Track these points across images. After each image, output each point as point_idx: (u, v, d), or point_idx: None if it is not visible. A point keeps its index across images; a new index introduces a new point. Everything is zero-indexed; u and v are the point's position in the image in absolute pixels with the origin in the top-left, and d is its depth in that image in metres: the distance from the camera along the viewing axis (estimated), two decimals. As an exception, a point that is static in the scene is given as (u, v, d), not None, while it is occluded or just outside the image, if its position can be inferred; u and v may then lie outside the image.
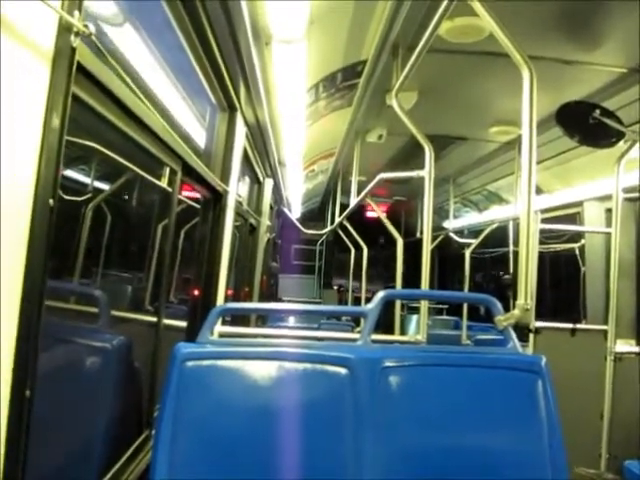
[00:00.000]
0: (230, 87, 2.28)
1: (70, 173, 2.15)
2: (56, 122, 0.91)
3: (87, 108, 1.14)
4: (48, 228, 0.92)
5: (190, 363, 1.60)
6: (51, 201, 0.92)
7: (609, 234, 3.40)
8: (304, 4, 1.78)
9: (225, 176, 2.54)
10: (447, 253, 8.41)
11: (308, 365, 1.64)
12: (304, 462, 1.55)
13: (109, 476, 1.64)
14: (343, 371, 1.63)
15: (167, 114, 1.90)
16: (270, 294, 8.20)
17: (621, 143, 3.12)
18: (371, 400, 1.60)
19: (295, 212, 8.56)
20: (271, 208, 5.81)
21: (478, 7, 1.85)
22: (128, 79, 1.24)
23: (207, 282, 2.48)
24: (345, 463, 1.56)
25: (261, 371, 1.64)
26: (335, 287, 10.46)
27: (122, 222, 2.82)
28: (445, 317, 6.85)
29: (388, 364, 1.64)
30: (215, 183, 2.34)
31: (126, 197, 2.81)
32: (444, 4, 1.98)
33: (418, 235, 7.10)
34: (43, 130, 0.88)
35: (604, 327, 3.29)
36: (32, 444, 0.94)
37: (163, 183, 2.17)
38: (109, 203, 2.43)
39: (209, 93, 2.33)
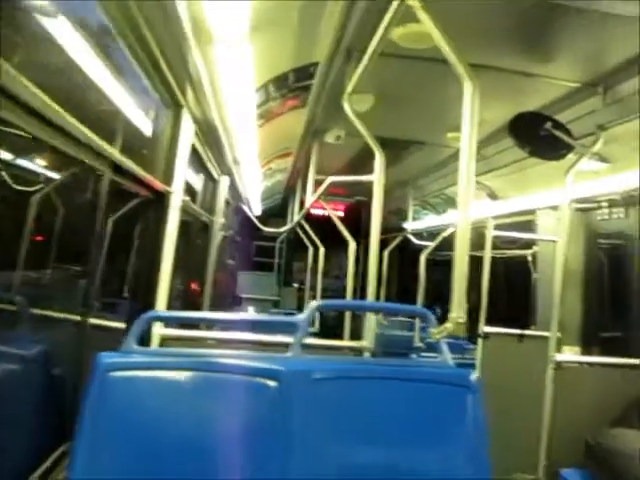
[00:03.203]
0: (174, 84, 2.22)
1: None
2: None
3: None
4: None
5: (112, 374, 1.54)
6: None
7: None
8: (244, 4, 1.73)
9: (169, 175, 2.48)
10: (410, 254, 8.42)
11: (236, 377, 1.60)
12: (227, 477, 1.51)
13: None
14: (272, 383, 1.59)
15: (94, 113, 1.83)
16: (228, 292, 8.10)
17: (571, 155, 3.16)
18: (299, 413, 1.57)
19: (256, 209, 8.49)
20: (229, 205, 5.74)
21: (422, 16, 1.82)
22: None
23: (147, 285, 2.41)
24: (272, 477, 1.52)
25: (187, 383, 1.59)
26: (295, 285, 10.41)
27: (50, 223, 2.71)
28: (402, 318, 6.87)
29: (316, 377, 1.61)
30: (155, 183, 2.27)
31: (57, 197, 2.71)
32: (391, 10, 1.95)
33: (381, 235, 7.10)
34: None
35: (549, 334, 3.33)
36: None
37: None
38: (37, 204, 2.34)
39: (151, 90, 2.26)
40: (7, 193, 2.32)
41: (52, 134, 1.32)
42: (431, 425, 1.64)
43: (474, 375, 1.68)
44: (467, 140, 1.75)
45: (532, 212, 4.74)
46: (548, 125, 3.06)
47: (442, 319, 1.74)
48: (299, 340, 1.70)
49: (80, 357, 1.90)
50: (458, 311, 1.71)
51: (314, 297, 7.38)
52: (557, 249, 3.13)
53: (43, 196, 2.33)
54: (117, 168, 1.79)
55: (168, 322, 2.31)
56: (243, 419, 1.57)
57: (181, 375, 1.59)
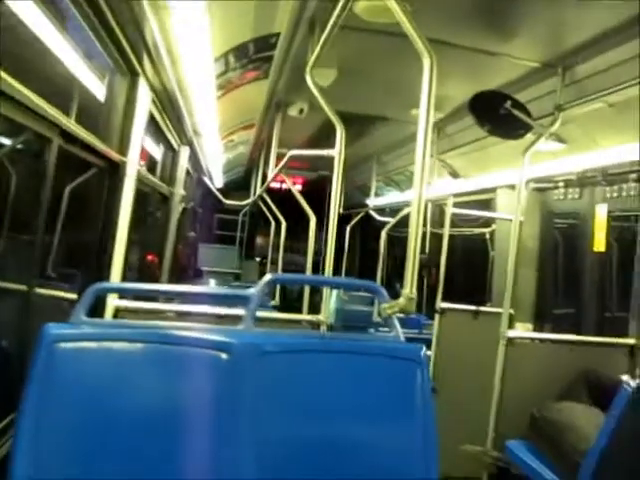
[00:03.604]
0: (129, 51, 2.15)
1: None
2: None
3: None
4: None
5: (60, 345, 1.51)
6: None
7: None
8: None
9: (124, 144, 2.42)
10: (373, 230, 8.46)
11: (187, 349, 1.59)
12: (176, 450, 1.51)
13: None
14: (223, 356, 1.59)
15: (43, 79, 1.76)
16: (189, 265, 8.03)
17: (530, 135, 3.20)
18: (249, 386, 1.57)
19: (218, 181, 8.38)
20: (190, 176, 5.65)
21: None
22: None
23: (101, 256, 2.37)
24: (219, 451, 1.53)
25: (137, 354, 1.57)
26: (257, 259, 10.38)
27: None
28: (362, 293, 6.93)
29: (268, 350, 1.61)
30: (109, 152, 2.21)
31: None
32: None
33: (341, 211, 7.12)
34: None
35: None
36: None
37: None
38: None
39: (105, 56, 2.19)
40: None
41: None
42: (380, 398, 1.67)
43: (423, 350, 1.71)
44: (424, 115, 1.75)
45: (492, 191, 4.81)
46: (508, 104, 3.08)
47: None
48: (252, 313, 1.70)
49: (30, 328, 1.87)
50: (410, 287, 1.74)
51: (276, 271, 7.39)
52: (512, 227, 3.19)
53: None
54: (68, 136, 1.73)
55: (123, 294, 2.28)
56: (194, 391, 1.56)
57: (131, 347, 1.57)
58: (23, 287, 1.84)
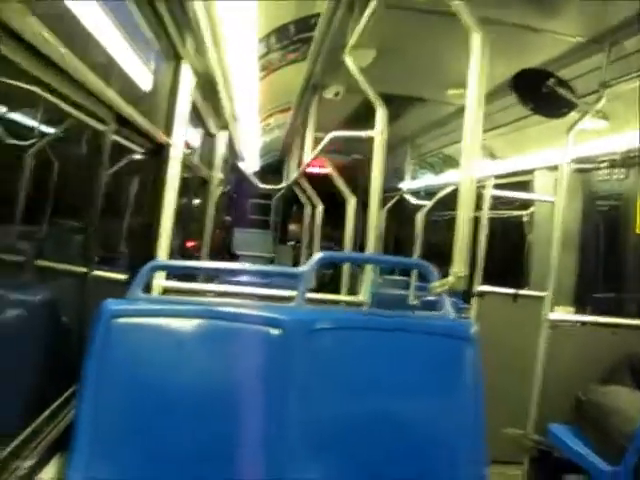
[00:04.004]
0: (175, 35, 2.18)
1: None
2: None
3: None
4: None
5: (118, 320, 1.56)
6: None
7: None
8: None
9: (169, 127, 2.45)
10: (406, 214, 8.40)
11: (241, 325, 1.63)
12: (230, 424, 1.55)
13: (34, 426, 1.60)
14: (275, 332, 1.62)
15: (99, 60, 1.79)
16: (224, 248, 8.11)
17: (573, 113, 3.13)
18: (301, 362, 1.60)
19: (253, 165, 8.41)
20: (226, 161, 5.69)
21: None
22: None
23: (147, 235, 2.42)
24: (269, 425, 1.56)
25: (192, 330, 1.62)
26: (291, 243, 10.41)
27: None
28: (396, 277, 6.92)
29: (319, 326, 1.64)
30: (157, 134, 2.25)
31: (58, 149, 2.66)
32: None
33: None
34: None
35: (544, 294, 3.36)
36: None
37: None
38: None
39: (153, 40, 2.22)
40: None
41: (61, 81, 1.30)
42: (430, 375, 1.68)
43: (474, 328, 1.71)
44: (474, 92, 1.73)
45: (529, 172, 4.73)
46: (551, 82, 3.02)
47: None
48: (303, 291, 1.72)
49: (81, 305, 1.92)
50: (459, 266, 1.73)
51: (310, 255, 7.38)
52: (555, 209, 3.14)
53: (44, 149, 2.30)
54: (120, 118, 1.77)
55: (170, 273, 2.33)
56: (247, 366, 1.60)
57: (187, 322, 1.61)
58: (83, 269, 1.89)
